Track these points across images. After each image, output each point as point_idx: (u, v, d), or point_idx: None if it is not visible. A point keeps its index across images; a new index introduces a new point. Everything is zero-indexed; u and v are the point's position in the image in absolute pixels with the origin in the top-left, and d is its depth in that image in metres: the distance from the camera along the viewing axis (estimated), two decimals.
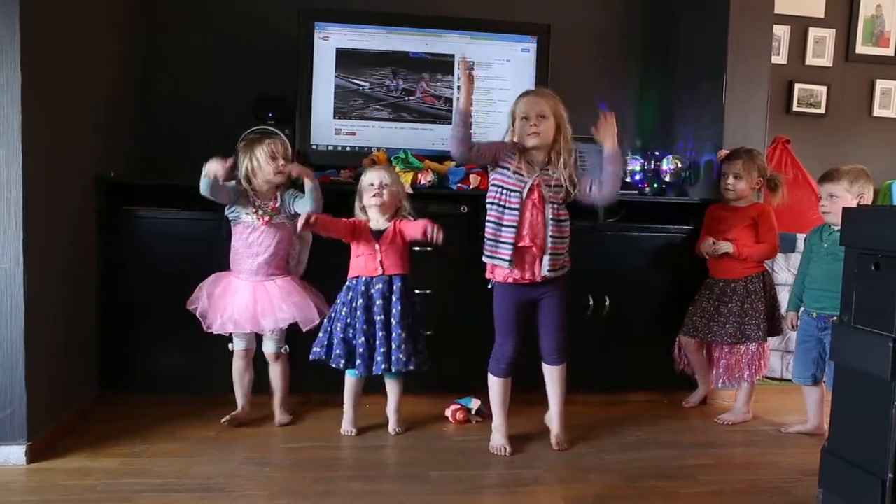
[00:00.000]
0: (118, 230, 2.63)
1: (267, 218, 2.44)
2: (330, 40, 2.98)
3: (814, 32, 3.71)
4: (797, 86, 3.71)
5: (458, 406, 2.66)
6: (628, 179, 3.16)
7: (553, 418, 2.45)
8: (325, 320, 2.46)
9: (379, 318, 2.39)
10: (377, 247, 2.41)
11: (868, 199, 2.51)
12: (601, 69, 3.41)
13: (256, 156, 2.42)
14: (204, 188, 2.32)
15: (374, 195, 2.42)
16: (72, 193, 2.40)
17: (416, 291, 2.50)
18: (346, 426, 2.50)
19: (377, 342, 2.38)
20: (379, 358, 2.38)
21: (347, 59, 3.00)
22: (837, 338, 1.83)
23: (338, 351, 2.39)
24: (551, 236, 2.30)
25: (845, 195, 2.48)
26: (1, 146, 2.04)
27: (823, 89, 3.73)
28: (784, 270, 3.30)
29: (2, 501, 1.92)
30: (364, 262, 2.41)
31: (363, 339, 2.38)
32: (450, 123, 3.05)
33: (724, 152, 2.86)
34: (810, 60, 3.72)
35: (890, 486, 1.63)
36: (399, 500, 1.99)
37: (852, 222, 1.82)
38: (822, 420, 2.58)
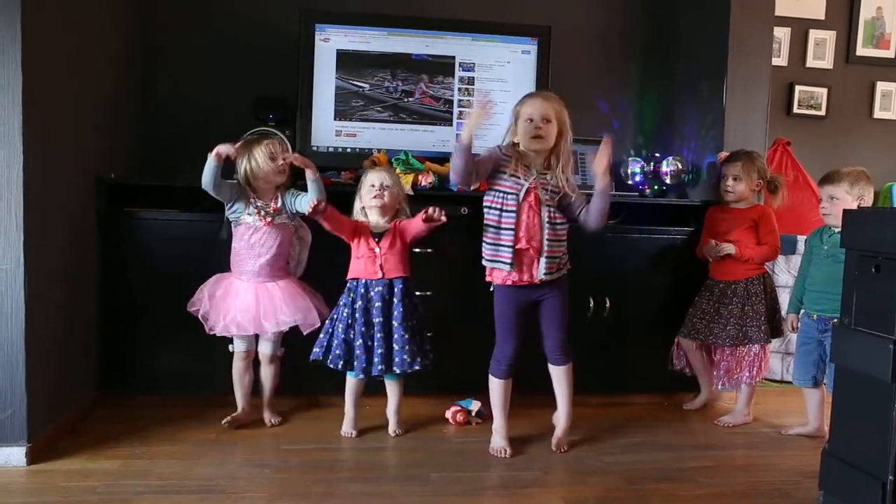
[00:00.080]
0: (118, 231, 2.62)
1: (269, 219, 2.44)
2: (330, 42, 2.98)
3: (814, 34, 3.71)
4: (798, 88, 3.71)
5: (459, 407, 2.66)
6: (629, 181, 3.16)
7: (558, 419, 2.45)
8: (327, 321, 2.46)
9: (377, 320, 2.38)
10: (377, 250, 2.41)
11: (868, 201, 2.51)
12: (602, 70, 3.41)
13: (256, 156, 2.42)
14: (207, 177, 2.32)
15: (375, 196, 2.42)
16: (72, 194, 2.40)
17: (417, 293, 2.50)
18: (347, 428, 2.49)
19: (375, 344, 2.38)
20: (376, 359, 2.38)
21: (348, 61, 3.00)
22: (838, 340, 1.84)
23: (337, 351, 2.39)
24: (548, 239, 2.30)
25: (846, 197, 2.49)
26: (2, 147, 2.04)
27: (824, 91, 3.74)
28: (784, 272, 3.30)
29: (2, 503, 1.91)
30: (364, 265, 2.41)
31: (360, 340, 2.38)
32: (450, 125, 3.07)
33: (723, 154, 2.86)
34: (811, 62, 3.72)
35: (890, 489, 1.63)
36: (399, 501, 1.99)
37: (853, 224, 1.83)
38: (823, 422, 2.58)
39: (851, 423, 1.79)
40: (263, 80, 3.06)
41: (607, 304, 2.84)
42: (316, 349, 2.43)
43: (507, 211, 2.29)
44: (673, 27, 3.38)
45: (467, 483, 2.12)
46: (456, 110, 3.07)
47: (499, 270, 2.32)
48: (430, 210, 2.35)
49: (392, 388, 2.52)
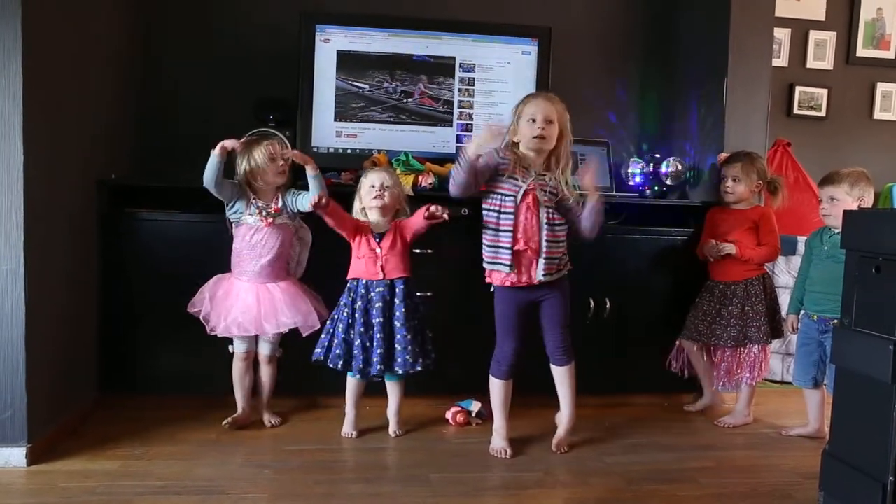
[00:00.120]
0: (119, 231, 2.62)
1: (270, 219, 2.44)
2: (331, 43, 2.98)
3: (814, 35, 3.71)
4: (798, 89, 3.71)
5: (459, 408, 2.66)
6: (630, 182, 3.16)
7: (560, 420, 2.45)
8: (328, 321, 2.46)
9: (377, 320, 2.38)
10: (378, 250, 2.41)
11: (868, 202, 2.51)
12: (602, 71, 3.41)
13: (255, 157, 2.42)
14: (209, 173, 2.32)
15: (376, 197, 2.42)
16: (72, 195, 2.40)
17: (418, 294, 2.50)
18: (347, 428, 2.49)
19: (375, 345, 2.38)
20: (376, 360, 2.38)
21: (348, 62, 3.00)
22: (838, 341, 1.83)
23: (337, 351, 2.39)
24: (546, 240, 2.30)
25: (846, 198, 2.49)
26: (2, 148, 2.04)
27: (824, 92, 3.73)
28: (785, 273, 3.30)
29: (2, 503, 1.91)
30: (365, 265, 2.41)
31: (359, 341, 2.38)
32: (450, 126, 3.07)
33: (723, 155, 2.86)
34: (811, 63, 3.72)
35: (891, 490, 1.63)
36: (399, 502, 1.99)
37: (853, 225, 1.82)
38: (823, 423, 2.58)
39: (852, 424, 1.79)
40: (264, 81, 3.06)
41: (607, 305, 2.84)
42: (317, 349, 2.43)
43: (504, 213, 2.29)
44: (673, 28, 3.38)
45: (467, 484, 2.12)
46: (456, 111, 3.07)
47: (498, 272, 2.33)
48: (434, 207, 2.35)
49: (392, 389, 2.52)
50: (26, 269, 2.09)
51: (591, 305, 2.83)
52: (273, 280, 2.46)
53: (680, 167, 3.10)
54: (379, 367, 2.38)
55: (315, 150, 2.96)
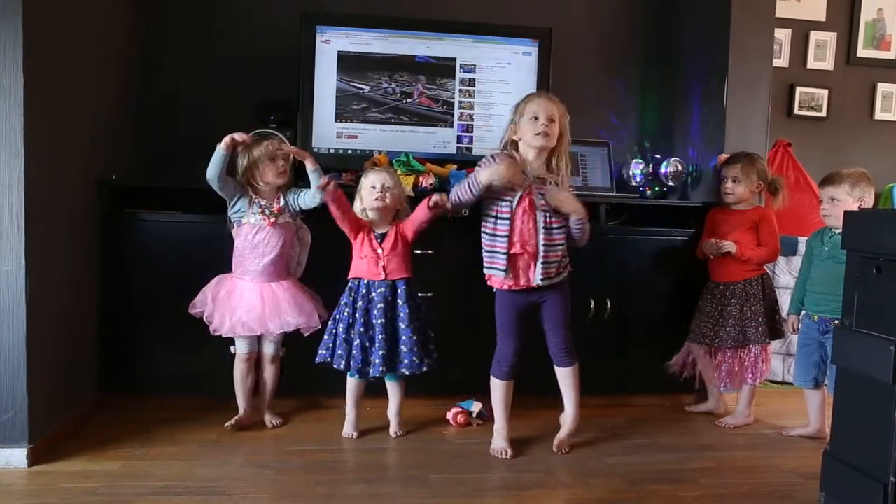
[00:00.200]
0: (119, 232, 2.62)
1: (273, 219, 2.44)
2: (332, 44, 2.98)
3: (815, 36, 3.71)
4: (798, 89, 3.71)
5: (460, 409, 2.66)
6: (631, 183, 3.16)
7: (564, 420, 2.45)
8: (330, 322, 2.46)
9: (379, 321, 2.38)
10: (380, 251, 2.41)
11: (869, 203, 2.51)
12: (602, 72, 3.41)
13: (256, 157, 2.42)
14: (214, 168, 2.32)
15: (377, 198, 2.41)
16: (73, 195, 2.40)
17: (419, 295, 2.50)
18: (348, 429, 2.49)
19: (376, 345, 2.38)
20: (377, 361, 2.37)
21: (349, 63, 3.00)
22: (839, 341, 1.83)
23: (339, 351, 2.39)
24: (543, 244, 2.30)
25: (846, 198, 2.49)
26: (3, 149, 2.04)
27: (825, 93, 3.74)
28: (785, 274, 3.30)
29: None
30: (367, 266, 2.41)
31: (358, 341, 2.38)
32: (451, 127, 3.07)
33: (723, 156, 2.86)
34: (811, 64, 3.72)
35: (892, 490, 1.63)
36: (400, 502, 1.99)
37: (853, 226, 1.82)
38: (824, 423, 2.57)
39: (853, 425, 1.79)
40: (264, 82, 3.06)
41: (608, 306, 2.84)
42: (322, 351, 2.43)
43: (501, 218, 2.30)
44: (673, 28, 3.38)
45: (468, 484, 2.12)
46: (457, 112, 3.07)
47: (496, 276, 2.33)
48: (436, 196, 2.35)
49: (393, 390, 2.52)
50: (27, 270, 2.09)
51: (592, 306, 2.83)
52: (275, 279, 2.47)
53: (680, 168, 3.10)
54: (381, 368, 2.38)
55: (316, 150, 2.96)
